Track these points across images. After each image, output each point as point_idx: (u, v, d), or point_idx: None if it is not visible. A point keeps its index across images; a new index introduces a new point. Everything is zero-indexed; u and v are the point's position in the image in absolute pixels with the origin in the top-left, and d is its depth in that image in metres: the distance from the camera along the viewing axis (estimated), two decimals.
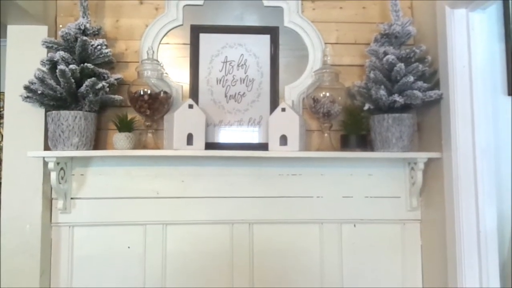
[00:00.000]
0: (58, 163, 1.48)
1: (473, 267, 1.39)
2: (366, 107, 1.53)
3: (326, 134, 1.62)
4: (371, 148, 1.59)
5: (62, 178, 1.52)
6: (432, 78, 1.52)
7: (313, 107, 1.59)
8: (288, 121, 1.49)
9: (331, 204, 1.65)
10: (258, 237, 1.64)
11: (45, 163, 1.47)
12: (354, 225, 1.67)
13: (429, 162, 1.55)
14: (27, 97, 1.44)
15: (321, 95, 1.56)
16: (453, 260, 1.43)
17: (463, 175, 1.41)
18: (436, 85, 1.51)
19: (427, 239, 1.64)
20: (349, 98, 1.62)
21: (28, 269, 1.50)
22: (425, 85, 1.46)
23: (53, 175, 1.46)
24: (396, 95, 1.45)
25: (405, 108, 1.50)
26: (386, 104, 1.48)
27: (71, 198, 1.58)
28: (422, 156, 1.52)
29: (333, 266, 1.65)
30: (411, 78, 1.43)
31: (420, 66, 1.46)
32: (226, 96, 1.63)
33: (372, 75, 1.48)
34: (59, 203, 1.54)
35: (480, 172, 1.40)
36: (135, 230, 1.60)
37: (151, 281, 1.59)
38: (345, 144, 1.59)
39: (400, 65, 1.43)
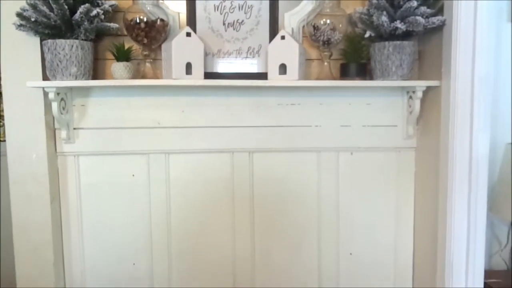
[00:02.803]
0: (58, 93, 1.48)
1: (463, 191, 1.46)
2: (367, 34, 1.51)
3: (326, 63, 1.60)
4: (371, 77, 1.59)
5: (63, 109, 1.53)
6: (436, 3, 1.47)
7: (313, 35, 1.56)
8: (287, 50, 1.47)
9: (329, 133, 1.69)
10: (258, 165, 1.70)
11: (45, 94, 1.47)
12: (351, 153, 1.72)
13: (427, 90, 1.56)
14: (21, 25, 1.40)
15: (322, 22, 1.53)
16: (444, 185, 1.49)
17: (460, 102, 1.42)
18: (440, 11, 1.47)
19: (421, 166, 1.70)
20: (350, 25, 1.59)
21: (38, 196, 1.56)
22: (429, 10, 1.42)
23: (54, 106, 1.47)
24: (398, 21, 1.42)
25: (406, 35, 1.48)
26: (387, 31, 1.46)
27: (74, 128, 1.60)
28: (421, 85, 1.53)
29: (330, 192, 1.73)
30: (414, 3, 1.39)
31: None
32: (224, 24, 1.58)
33: (374, 0, 1.44)
34: (62, 133, 1.56)
35: (477, 100, 1.41)
36: (139, 159, 1.65)
37: (156, 207, 1.67)
38: (344, 73, 1.58)
39: None
